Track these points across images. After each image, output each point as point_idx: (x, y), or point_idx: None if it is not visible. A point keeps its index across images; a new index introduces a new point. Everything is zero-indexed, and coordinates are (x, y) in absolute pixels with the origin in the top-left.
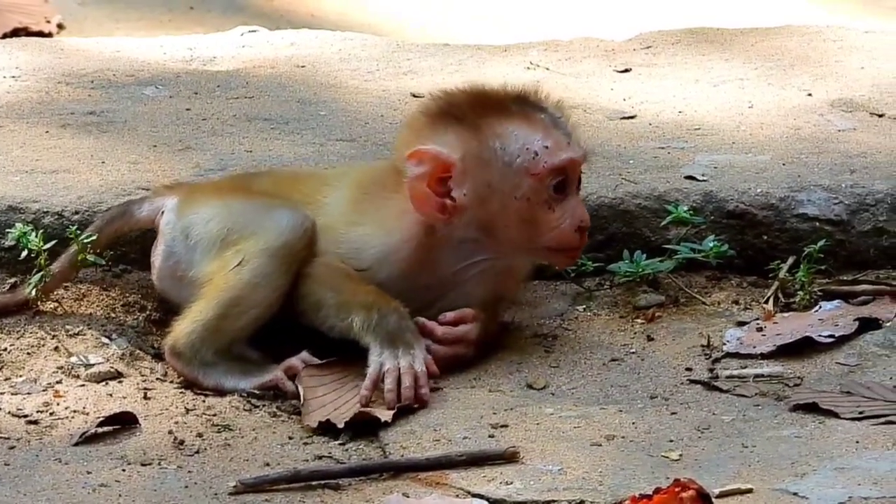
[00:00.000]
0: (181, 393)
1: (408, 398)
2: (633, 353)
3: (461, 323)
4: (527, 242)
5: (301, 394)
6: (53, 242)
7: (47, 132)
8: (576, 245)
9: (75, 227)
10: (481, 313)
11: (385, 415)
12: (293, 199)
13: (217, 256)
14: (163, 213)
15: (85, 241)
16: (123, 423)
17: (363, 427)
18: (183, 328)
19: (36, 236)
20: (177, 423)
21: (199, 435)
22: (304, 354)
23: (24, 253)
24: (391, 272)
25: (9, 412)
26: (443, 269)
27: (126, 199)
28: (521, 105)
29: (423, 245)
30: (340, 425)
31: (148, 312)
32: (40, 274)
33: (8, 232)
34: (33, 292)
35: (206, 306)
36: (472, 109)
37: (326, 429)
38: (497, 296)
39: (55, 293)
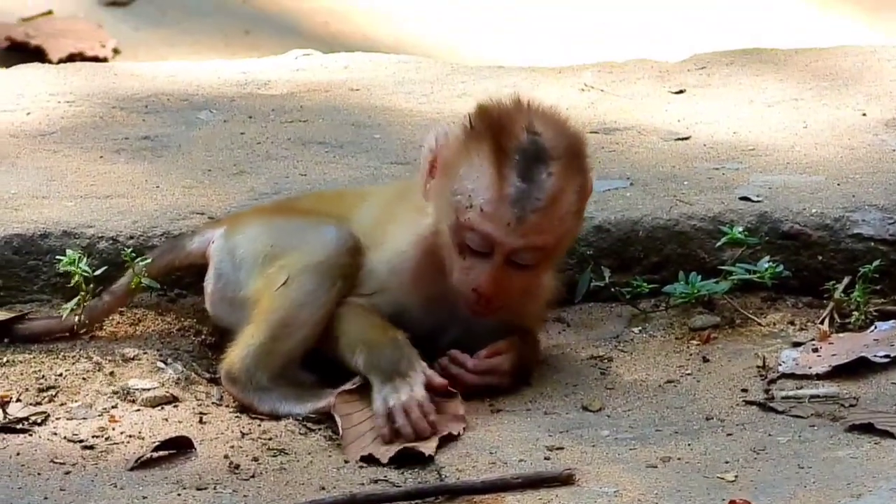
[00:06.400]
0: (237, 417)
1: (423, 430)
2: (688, 374)
3: (495, 356)
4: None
5: (339, 424)
6: (104, 269)
7: (101, 157)
8: (470, 300)
9: (129, 250)
10: (516, 343)
11: (428, 448)
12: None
13: (261, 273)
14: (212, 242)
15: (140, 263)
16: (179, 447)
17: (408, 459)
18: (237, 353)
19: (84, 262)
20: (232, 447)
21: (255, 459)
22: (358, 379)
23: (75, 279)
24: (402, 281)
25: (64, 437)
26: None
27: (180, 225)
28: (519, 155)
29: (429, 249)
30: (384, 461)
31: (203, 337)
32: (76, 298)
33: (60, 258)
34: (76, 318)
35: (256, 330)
36: (486, 123)
37: (370, 461)
38: (519, 314)
39: (110, 318)
